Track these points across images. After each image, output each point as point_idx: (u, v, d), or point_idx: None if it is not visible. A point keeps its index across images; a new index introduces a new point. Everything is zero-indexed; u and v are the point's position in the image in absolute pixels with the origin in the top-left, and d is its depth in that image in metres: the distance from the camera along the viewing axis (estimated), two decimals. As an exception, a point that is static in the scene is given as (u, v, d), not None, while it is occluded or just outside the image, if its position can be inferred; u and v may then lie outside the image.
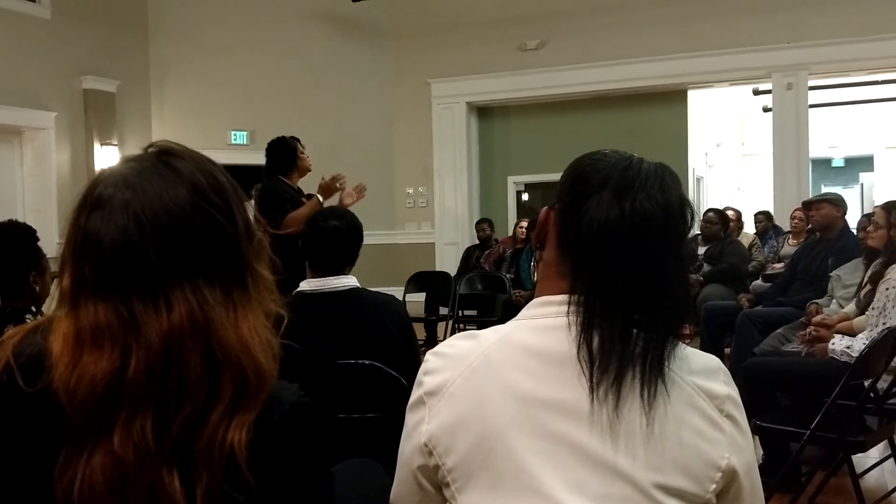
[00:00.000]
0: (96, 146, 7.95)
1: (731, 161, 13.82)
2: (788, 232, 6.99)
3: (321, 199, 4.01)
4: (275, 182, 4.13)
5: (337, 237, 2.35)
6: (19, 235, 2.23)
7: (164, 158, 0.91)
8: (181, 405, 0.83)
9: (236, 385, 0.85)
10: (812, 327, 3.53)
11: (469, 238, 8.91)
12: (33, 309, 2.20)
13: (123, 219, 0.86)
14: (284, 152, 4.17)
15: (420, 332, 6.23)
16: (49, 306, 1.46)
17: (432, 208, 9.59)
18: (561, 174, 1.07)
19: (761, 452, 3.20)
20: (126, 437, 0.82)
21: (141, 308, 0.85)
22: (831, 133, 12.93)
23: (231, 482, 0.83)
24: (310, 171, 4.28)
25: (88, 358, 0.83)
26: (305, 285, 2.35)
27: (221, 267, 0.89)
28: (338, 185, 4.10)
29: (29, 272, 2.18)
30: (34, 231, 2.28)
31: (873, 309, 3.25)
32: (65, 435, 0.83)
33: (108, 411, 0.82)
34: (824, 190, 10.84)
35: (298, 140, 4.24)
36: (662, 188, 0.97)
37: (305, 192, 4.44)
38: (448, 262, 8.88)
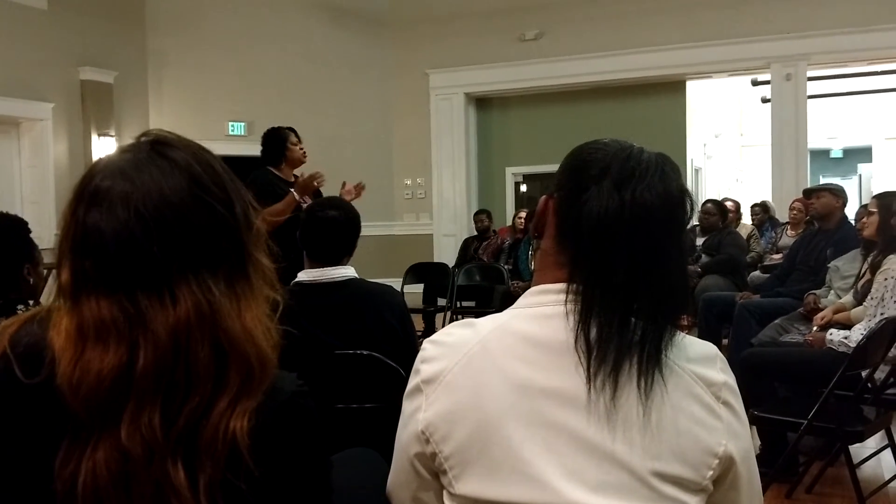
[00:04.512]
0: (94, 137, 7.92)
1: (729, 152, 13.79)
2: (786, 223, 6.99)
3: (297, 196, 3.83)
4: (262, 173, 4.03)
5: (335, 227, 2.34)
6: (11, 228, 2.18)
7: (159, 149, 0.90)
8: (189, 397, 0.83)
9: (242, 374, 0.85)
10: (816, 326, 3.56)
11: (467, 229, 8.91)
12: (30, 302, 2.17)
13: (125, 213, 0.85)
14: (274, 143, 4.09)
15: (418, 323, 6.23)
16: (48, 298, 1.45)
17: (430, 199, 9.57)
18: (559, 164, 1.07)
19: (759, 443, 3.21)
20: (133, 431, 0.81)
21: (146, 303, 0.84)
22: (830, 124, 12.89)
23: (233, 470, 0.83)
24: (303, 162, 4.16)
25: (92, 353, 0.83)
26: (303, 275, 2.34)
27: (224, 257, 0.88)
28: (315, 183, 3.95)
29: (23, 265, 2.14)
30: (26, 223, 2.23)
31: (871, 299, 3.25)
32: (65, 428, 0.82)
33: (114, 406, 0.82)
34: (823, 181, 10.83)
35: (293, 131, 4.13)
36: (663, 178, 0.97)
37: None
38: (446, 253, 8.87)
